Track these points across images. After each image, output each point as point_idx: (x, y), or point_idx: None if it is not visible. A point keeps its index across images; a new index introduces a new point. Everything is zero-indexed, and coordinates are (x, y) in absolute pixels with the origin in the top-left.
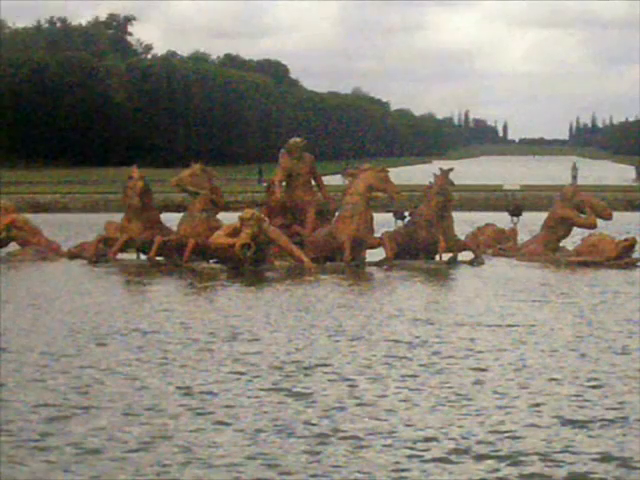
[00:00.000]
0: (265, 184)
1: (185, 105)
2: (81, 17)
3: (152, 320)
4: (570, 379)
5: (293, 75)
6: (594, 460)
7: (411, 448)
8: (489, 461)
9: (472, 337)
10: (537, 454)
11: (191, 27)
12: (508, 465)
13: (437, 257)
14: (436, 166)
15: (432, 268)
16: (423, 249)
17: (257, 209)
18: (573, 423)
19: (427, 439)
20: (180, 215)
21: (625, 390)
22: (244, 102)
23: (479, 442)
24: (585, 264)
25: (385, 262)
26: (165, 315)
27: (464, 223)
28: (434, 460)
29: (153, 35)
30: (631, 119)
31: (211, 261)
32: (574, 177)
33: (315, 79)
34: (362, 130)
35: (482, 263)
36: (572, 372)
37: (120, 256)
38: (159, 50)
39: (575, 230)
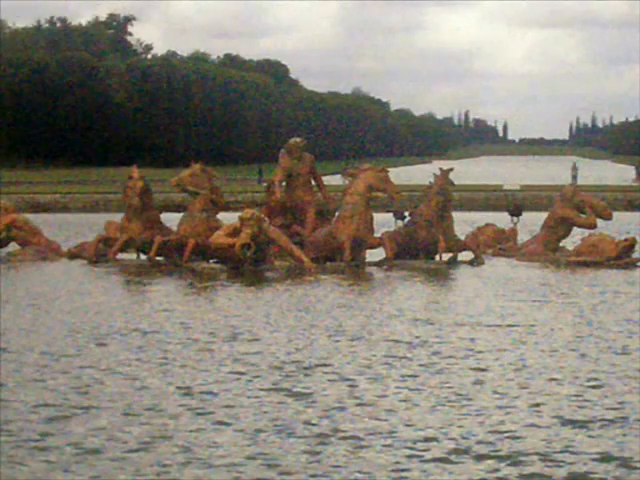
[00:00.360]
0: (265, 184)
1: (185, 105)
2: (81, 17)
3: (152, 320)
4: (570, 379)
5: (293, 75)
6: (594, 460)
7: (411, 448)
8: (489, 461)
9: (472, 337)
10: (537, 454)
11: (191, 27)
12: (508, 465)
13: (437, 257)
14: (436, 166)
15: (432, 268)
16: (423, 249)
17: (257, 209)
18: (573, 423)
19: (427, 439)
20: (180, 215)
21: (625, 390)
22: (244, 102)
23: (479, 442)
24: (585, 264)
25: (385, 262)
26: (165, 315)
27: (464, 223)
28: (434, 460)
29: (153, 35)
30: (631, 119)
31: (211, 261)
32: (574, 177)
33: (315, 79)
34: (362, 130)
35: (482, 263)
36: (572, 372)
37: (120, 256)
38: (159, 50)
39: (575, 230)
